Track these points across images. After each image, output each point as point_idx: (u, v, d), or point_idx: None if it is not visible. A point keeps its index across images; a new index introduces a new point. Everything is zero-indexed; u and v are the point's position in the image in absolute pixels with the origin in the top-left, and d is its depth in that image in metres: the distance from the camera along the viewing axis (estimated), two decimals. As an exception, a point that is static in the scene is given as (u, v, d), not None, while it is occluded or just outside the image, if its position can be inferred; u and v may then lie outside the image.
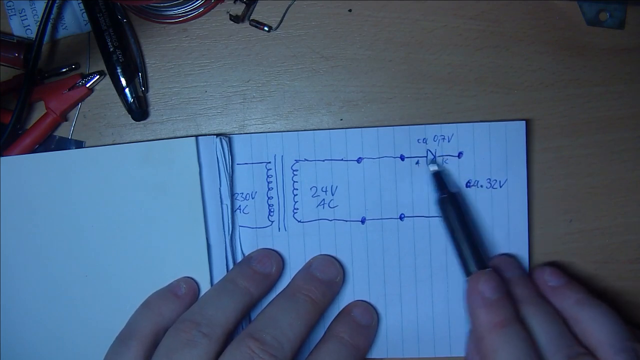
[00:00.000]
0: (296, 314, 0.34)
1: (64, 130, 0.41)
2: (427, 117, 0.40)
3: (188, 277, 0.39)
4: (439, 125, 0.39)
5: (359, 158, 0.39)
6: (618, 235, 0.40)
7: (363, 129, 0.39)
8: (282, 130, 0.40)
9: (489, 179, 0.39)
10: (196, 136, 0.39)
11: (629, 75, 0.40)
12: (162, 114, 0.41)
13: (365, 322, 0.38)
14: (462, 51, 0.40)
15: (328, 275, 0.38)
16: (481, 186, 0.39)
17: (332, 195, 0.39)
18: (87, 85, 0.40)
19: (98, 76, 0.40)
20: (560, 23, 0.40)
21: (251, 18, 0.40)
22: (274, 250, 0.39)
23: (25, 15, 0.41)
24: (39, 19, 0.39)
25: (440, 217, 0.38)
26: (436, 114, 0.40)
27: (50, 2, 0.39)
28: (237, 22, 0.40)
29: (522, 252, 0.39)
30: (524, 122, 0.39)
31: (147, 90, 0.41)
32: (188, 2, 0.39)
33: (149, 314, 0.37)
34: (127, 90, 0.40)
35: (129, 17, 0.40)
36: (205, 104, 0.41)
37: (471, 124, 0.39)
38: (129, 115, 0.40)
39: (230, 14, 0.40)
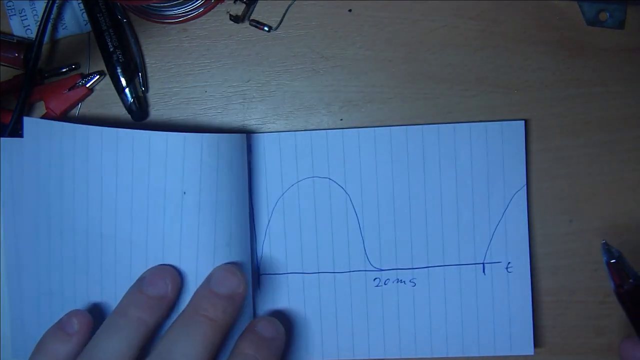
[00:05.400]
0: (191, 340, 0.32)
1: (64, 130, 0.41)
2: (427, 117, 0.40)
3: (79, 310, 0.35)
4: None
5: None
6: (618, 235, 0.40)
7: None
8: (281, 130, 0.40)
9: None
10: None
11: (629, 75, 0.40)
12: (162, 114, 0.41)
13: (269, 335, 0.35)
14: (462, 51, 0.40)
15: (228, 287, 0.34)
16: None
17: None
18: (87, 85, 0.40)
19: (98, 76, 0.40)
20: (560, 23, 0.40)
21: (251, 18, 0.40)
22: (168, 265, 0.36)
23: (25, 15, 0.41)
24: (39, 19, 0.39)
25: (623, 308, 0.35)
26: (436, 114, 0.40)
27: (50, 2, 0.39)
28: (237, 22, 0.40)
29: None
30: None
31: (147, 90, 0.41)
32: (188, 2, 0.39)
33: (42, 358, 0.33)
34: (127, 90, 0.40)
35: (129, 17, 0.40)
36: (205, 104, 0.41)
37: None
38: (129, 115, 0.40)
39: (230, 14, 0.40)
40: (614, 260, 0.35)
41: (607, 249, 0.35)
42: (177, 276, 0.35)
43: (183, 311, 0.34)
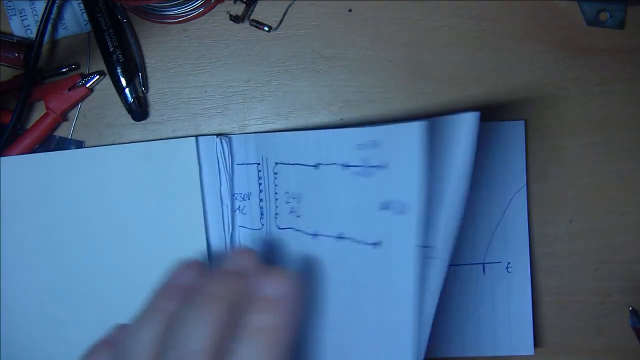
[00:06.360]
0: (199, 322, 0.28)
1: (64, 130, 0.41)
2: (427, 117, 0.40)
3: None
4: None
5: (317, 164, 0.35)
6: (618, 235, 0.40)
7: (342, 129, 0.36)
8: (282, 129, 0.40)
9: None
10: (196, 136, 0.39)
11: (629, 75, 0.40)
12: (162, 114, 0.41)
13: (278, 295, 0.29)
14: (462, 51, 0.40)
15: (233, 266, 0.32)
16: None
17: (299, 202, 0.36)
18: (87, 85, 0.40)
19: (98, 76, 0.40)
20: (560, 23, 0.40)
21: (251, 18, 0.40)
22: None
23: (25, 15, 0.41)
24: (39, 19, 0.39)
25: None
26: (436, 114, 0.40)
27: (50, 2, 0.39)
28: (237, 22, 0.40)
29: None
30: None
31: (147, 90, 0.41)
32: (188, 2, 0.39)
33: None
34: (127, 90, 0.40)
35: (129, 17, 0.40)
36: (205, 104, 0.41)
37: None
38: (129, 115, 0.40)
39: (230, 14, 0.40)
40: None
41: (635, 314, 0.36)
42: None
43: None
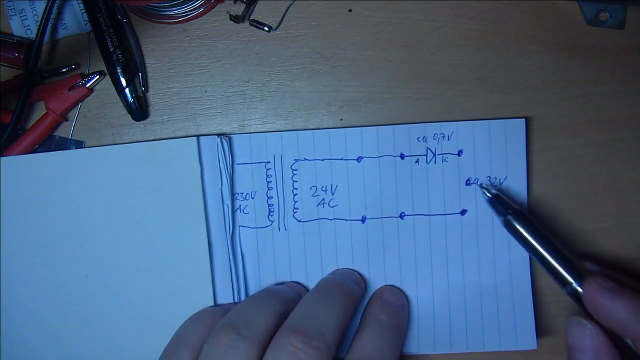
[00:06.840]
0: (332, 303, 0.35)
1: (64, 130, 0.41)
2: (427, 117, 0.40)
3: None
4: (439, 123, 0.39)
5: (359, 157, 0.39)
6: (618, 235, 0.40)
7: (362, 127, 0.39)
8: (282, 130, 0.40)
9: (489, 176, 0.39)
10: (197, 136, 0.39)
11: (629, 75, 0.40)
12: (162, 114, 0.41)
13: (398, 303, 0.38)
14: (462, 51, 0.40)
15: (352, 278, 0.38)
16: (481, 184, 0.39)
17: (332, 194, 0.39)
18: (87, 85, 0.40)
19: (98, 76, 0.40)
20: (560, 23, 0.40)
21: (251, 18, 0.40)
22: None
23: (25, 15, 0.41)
24: (39, 19, 0.39)
25: (514, 235, 0.37)
26: (436, 114, 0.40)
27: (50, 2, 0.39)
28: (237, 22, 0.40)
29: (524, 253, 0.39)
30: (523, 119, 0.39)
31: (147, 90, 0.41)
32: (188, 2, 0.40)
33: (199, 324, 0.36)
34: (127, 90, 0.40)
35: (129, 17, 0.40)
36: (205, 104, 0.41)
37: (471, 122, 0.39)
38: (129, 115, 0.40)
39: (230, 14, 0.40)
40: (493, 193, 0.37)
41: (484, 188, 0.38)
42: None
43: (316, 286, 0.38)
